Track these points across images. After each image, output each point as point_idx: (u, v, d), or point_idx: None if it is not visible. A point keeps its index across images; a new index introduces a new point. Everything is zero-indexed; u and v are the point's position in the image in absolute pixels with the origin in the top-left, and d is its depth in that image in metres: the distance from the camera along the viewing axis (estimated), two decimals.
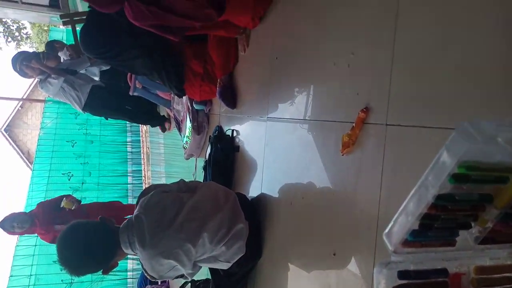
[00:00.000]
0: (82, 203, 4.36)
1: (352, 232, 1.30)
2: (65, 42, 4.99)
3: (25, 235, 4.47)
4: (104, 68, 4.30)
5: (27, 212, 4.15)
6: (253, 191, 2.17)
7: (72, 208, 3.91)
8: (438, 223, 0.63)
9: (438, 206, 0.60)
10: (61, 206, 3.90)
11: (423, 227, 0.63)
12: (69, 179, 6.61)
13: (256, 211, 2.00)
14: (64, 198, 3.96)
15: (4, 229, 3.84)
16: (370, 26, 1.28)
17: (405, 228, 0.62)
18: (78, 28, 4.27)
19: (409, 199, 0.61)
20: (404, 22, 1.13)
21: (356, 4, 1.37)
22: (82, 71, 4.12)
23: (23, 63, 3.78)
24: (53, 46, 4.38)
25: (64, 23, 4.55)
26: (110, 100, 4.16)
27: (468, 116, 0.92)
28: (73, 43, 4.52)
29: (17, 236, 5.10)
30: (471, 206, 0.65)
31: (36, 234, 4.21)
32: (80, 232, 1.59)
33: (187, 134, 3.27)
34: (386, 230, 0.64)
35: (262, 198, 2.03)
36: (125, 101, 4.23)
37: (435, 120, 1.00)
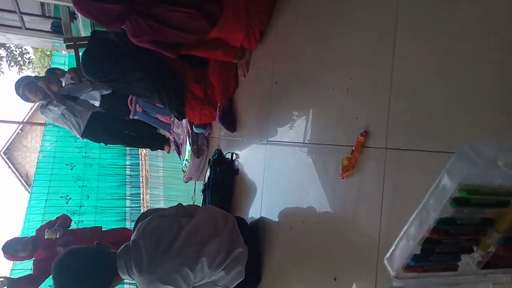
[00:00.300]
0: (87, 226, 4.28)
1: (353, 256, 1.28)
2: (66, 67, 5.06)
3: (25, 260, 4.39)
4: (105, 92, 4.34)
5: (28, 236, 4.10)
6: (252, 215, 2.15)
7: (57, 237, 3.85)
8: (440, 248, 0.62)
9: (440, 230, 0.60)
10: (46, 237, 3.85)
11: (425, 251, 0.62)
12: (67, 202, 6.57)
13: (255, 235, 1.98)
14: (47, 229, 3.90)
15: (7, 253, 3.77)
16: (368, 51, 1.30)
17: (407, 253, 0.61)
18: (80, 53, 4.34)
19: (410, 223, 0.61)
20: (402, 46, 1.15)
21: (355, 29, 1.39)
22: (83, 97, 4.16)
23: (26, 87, 3.84)
24: (54, 72, 4.46)
25: (68, 47, 4.63)
26: (110, 126, 4.18)
27: (468, 140, 0.92)
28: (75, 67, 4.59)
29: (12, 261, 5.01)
30: (473, 230, 0.64)
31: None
32: (77, 258, 1.57)
33: (186, 157, 3.27)
34: (388, 255, 0.63)
35: (261, 222, 2.01)
36: (124, 125, 4.26)
37: (434, 144, 1.00)
